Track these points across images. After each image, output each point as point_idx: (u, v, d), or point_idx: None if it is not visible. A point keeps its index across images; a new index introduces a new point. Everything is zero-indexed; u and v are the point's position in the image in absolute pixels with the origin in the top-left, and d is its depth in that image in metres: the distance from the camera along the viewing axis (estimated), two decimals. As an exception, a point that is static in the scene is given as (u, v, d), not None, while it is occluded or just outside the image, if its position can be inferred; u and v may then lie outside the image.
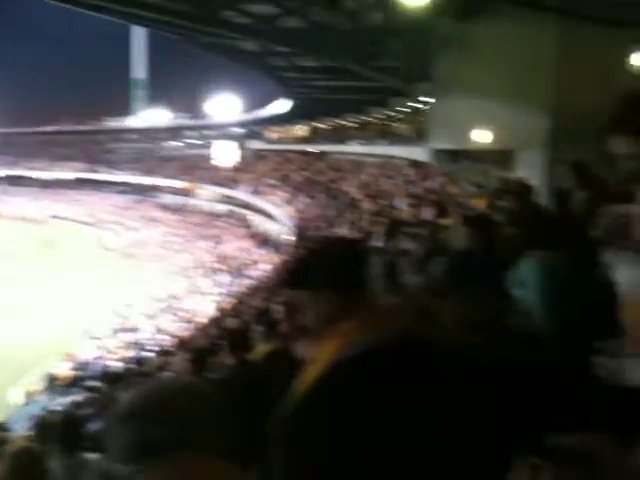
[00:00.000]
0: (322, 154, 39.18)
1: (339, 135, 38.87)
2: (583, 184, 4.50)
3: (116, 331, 23.82)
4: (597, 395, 1.22)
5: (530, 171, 12.04)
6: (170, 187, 51.86)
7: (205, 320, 20.19)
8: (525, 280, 2.83)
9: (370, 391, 1.22)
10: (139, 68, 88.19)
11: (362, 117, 36.73)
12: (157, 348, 18.52)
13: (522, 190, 5.47)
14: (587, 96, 11.47)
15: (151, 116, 69.25)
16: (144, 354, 18.41)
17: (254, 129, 51.60)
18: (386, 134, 32.41)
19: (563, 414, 1.10)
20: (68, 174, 62.60)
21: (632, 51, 12.05)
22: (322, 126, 43.15)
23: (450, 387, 1.22)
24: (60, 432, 4.00)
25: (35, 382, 18.96)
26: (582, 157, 5.25)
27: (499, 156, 14.89)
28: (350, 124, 39.02)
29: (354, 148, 34.46)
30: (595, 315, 2.42)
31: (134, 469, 1.19)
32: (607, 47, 12.04)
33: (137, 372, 12.12)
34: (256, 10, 17.94)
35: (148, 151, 61.98)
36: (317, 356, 1.48)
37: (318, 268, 1.57)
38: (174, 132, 63.79)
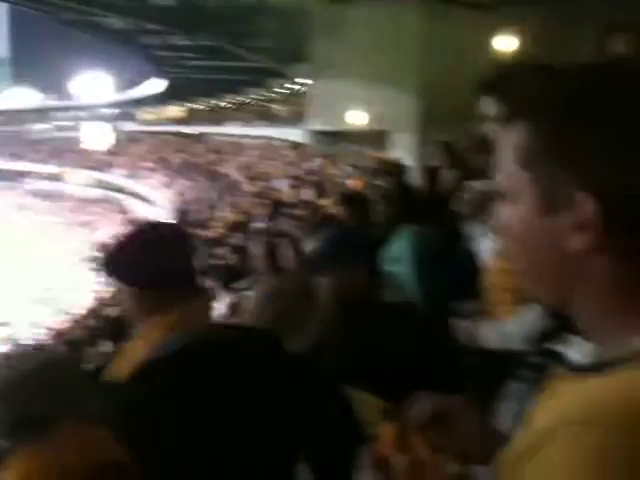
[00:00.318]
0: (200, 136, 38.52)
1: (217, 116, 38.34)
2: (450, 163, 4.75)
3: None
4: (456, 359, 1.32)
5: (403, 152, 12.47)
6: (40, 172, 49.13)
7: (83, 311, 19.46)
8: (398, 255, 2.97)
9: (178, 392, 1.20)
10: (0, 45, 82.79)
11: (239, 98, 36.42)
12: (32, 342, 17.63)
13: (395, 170, 5.67)
14: (453, 79, 11.97)
15: (16, 96, 65.20)
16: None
17: (127, 110, 49.85)
18: (265, 115, 32.34)
19: (425, 378, 1.18)
20: None
21: (496, 34, 12.66)
22: (199, 107, 42.39)
23: (260, 383, 1.24)
24: None
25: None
26: (449, 138, 5.53)
27: (374, 137, 15.28)
28: (227, 105, 38.59)
29: (233, 130, 34.13)
30: (460, 283, 2.60)
31: (15, 444, 1.18)
32: (472, 30, 12.60)
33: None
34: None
35: (14, 134, 58.29)
36: (125, 354, 1.47)
37: (120, 261, 1.51)
38: (42, 114, 60.36)
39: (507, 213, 0.70)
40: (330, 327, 1.71)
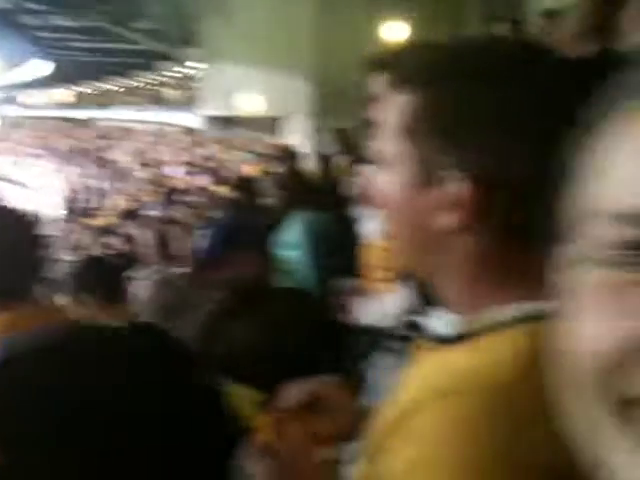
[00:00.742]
0: (87, 121, 37.08)
1: (105, 100, 37.05)
2: (343, 150, 4.84)
3: None
4: (340, 340, 1.35)
5: (297, 137, 12.52)
6: None
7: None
8: (291, 240, 3.01)
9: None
10: None
11: (128, 81, 35.33)
12: None
13: (288, 156, 5.71)
14: (346, 65, 12.11)
15: None
16: None
17: (9, 94, 47.20)
18: (156, 100, 31.54)
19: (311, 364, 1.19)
20: None
21: (386, 20, 12.88)
22: (86, 90, 40.76)
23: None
24: None
25: None
26: (342, 124, 5.62)
27: (267, 123, 15.26)
28: (116, 89, 37.34)
29: (122, 114, 33.07)
30: (347, 262, 2.68)
31: None
32: (363, 15, 12.76)
33: None
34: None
35: None
36: None
37: None
38: None
39: (382, 181, 0.70)
40: (217, 317, 1.70)
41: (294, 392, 0.90)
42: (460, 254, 0.65)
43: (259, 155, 11.61)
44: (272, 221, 3.28)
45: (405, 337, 1.46)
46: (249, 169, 8.49)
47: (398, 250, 0.73)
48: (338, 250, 2.89)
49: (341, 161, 4.84)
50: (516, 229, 0.63)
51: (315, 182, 4.23)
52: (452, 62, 0.66)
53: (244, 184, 4.14)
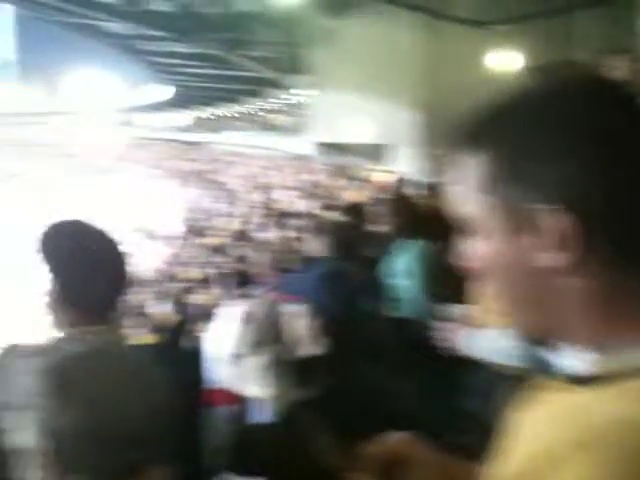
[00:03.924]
0: (202, 144, 38.60)
1: (218, 125, 38.38)
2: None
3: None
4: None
5: (404, 165, 12.54)
6: (36, 175, 49.08)
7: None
8: (402, 268, 3.04)
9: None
10: (6, 47, 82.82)
11: (240, 107, 36.50)
12: None
13: (396, 183, 5.77)
14: (454, 93, 12.05)
15: (18, 98, 65.43)
16: None
17: (130, 116, 49.96)
18: (266, 125, 32.41)
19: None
20: None
21: (491, 50, 12.74)
22: (200, 115, 42.45)
23: None
24: None
25: None
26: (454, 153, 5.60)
27: (374, 150, 15.35)
28: (228, 114, 38.67)
29: (234, 139, 34.18)
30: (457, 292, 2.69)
31: None
32: (472, 45, 12.65)
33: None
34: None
35: (15, 136, 58.46)
36: None
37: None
38: (44, 116, 60.53)
39: (477, 246, 0.68)
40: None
41: (377, 447, 0.89)
42: (578, 293, 0.61)
43: (366, 181, 11.72)
44: (381, 249, 3.34)
45: (522, 373, 1.44)
46: (356, 195, 8.60)
47: (511, 310, 0.68)
48: (449, 280, 2.91)
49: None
50: (624, 252, 0.60)
51: (425, 210, 4.26)
52: (518, 113, 0.65)
53: (354, 210, 4.22)
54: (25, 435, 1.31)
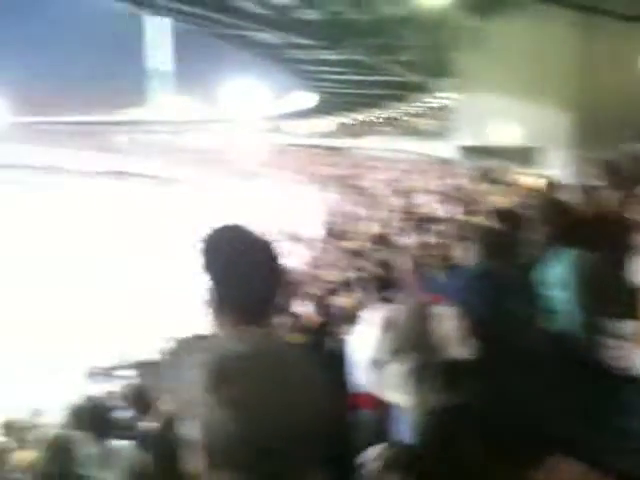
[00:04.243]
0: (345, 149, 39.13)
1: (361, 130, 38.75)
2: (614, 183, 4.47)
3: (153, 322, 24.11)
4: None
5: (555, 168, 11.97)
6: (191, 179, 52.09)
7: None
8: (557, 279, 2.84)
9: None
10: (163, 59, 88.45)
11: (384, 112, 36.61)
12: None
13: (548, 188, 5.47)
14: (610, 94, 11.36)
15: (174, 107, 69.80)
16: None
17: (278, 123, 51.65)
18: (409, 130, 32.29)
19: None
20: (93, 165, 63.38)
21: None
22: (344, 121, 43.06)
23: None
24: (90, 420, 4.10)
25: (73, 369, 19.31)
26: (605, 155, 5.23)
27: (523, 153, 14.81)
28: (372, 119, 38.92)
29: (379, 144, 34.36)
30: (618, 306, 2.47)
31: None
32: (630, 44, 11.89)
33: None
34: (275, 1, 17.92)
35: (171, 143, 62.42)
36: None
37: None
38: (198, 124, 64.12)
39: None
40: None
41: None
42: None
43: (514, 186, 11.30)
44: (534, 257, 3.15)
45: None
46: (505, 200, 8.29)
47: None
48: (608, 292, 2.68)
49: (607, 195, 4.48)
50: None
51: (580, 216, 3.98)
52: None
53: (504, 215, 4.02)
54: (191, 427, 1.36)
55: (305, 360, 1.50)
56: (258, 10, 18.10)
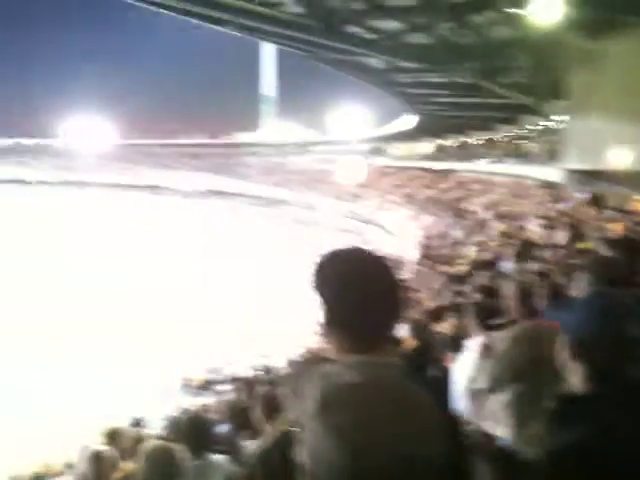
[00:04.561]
0: (448, 172, 38.67)
1: (466, 153, 38.21)
2: None
3: (248, 338, 24.62)
4: None
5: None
6: (295, 200, 53.05)
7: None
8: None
9: None
10: (268, 84, 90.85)
11: (490, 135, 35.95)
12: (285, 357, 19.02)
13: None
14: None
15: (279, 131, 71.54)
16: (273, 362, 19.00)
17: (378, 145, 51.87)
18: (515, 153, 31.52)
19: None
20: (201, 185, 65.83)
21: None
22: (448, 143, 42.64)
23: None
24: (188, 432, 4.17)
25: (171, 382, 20.00)
26: None
27: (636, 178, 14.11)
28: (477, 142, 38.31)
29: (481, 166, 33.74)
30: None
31: None
32: None
33: (264, 379, 12.44)
34: (382, 26, 18.00)
35: (276, 165, 63.99)
36: None
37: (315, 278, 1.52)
38: (302, 147, 65.39)
39: None
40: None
41: None
42: None
43: (626, 212, 10.74)
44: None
45: None
46: (616, 227, 7.89)
47: None
48: None
49: None
50: None
51: None
52: None
53: (618, 242, 3.82)
54: (300, 449, 1.34)
55: (417, 390, 1.43)
56: (366, 35, 18.27)
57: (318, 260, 1.49)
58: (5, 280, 33.01)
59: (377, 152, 51.84)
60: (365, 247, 1.55)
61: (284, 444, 2.71)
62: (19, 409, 17.00)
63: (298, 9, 17.65)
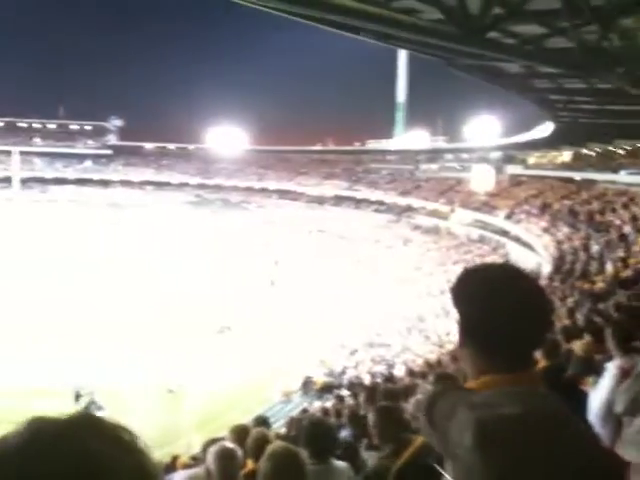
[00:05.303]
0: (586, 182, 36.76)
1: (607, 162, 36.16)
2: None
3: (368, 345, 24.69)
4: None
5: None
6: (425, 209, 52.53)
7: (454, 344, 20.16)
8: None
9: None
10: (402, 91, 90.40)
11: (634, 144, 33.80)
12: (404, 367, 18.86)
13: None
14: None
15: (410, 138, 71.15)
16: (392, 371, 18.91)
17: (513, 153, 50.27)
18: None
19: None
20: (330, 191, 66.78)
21: None
22: (587, 152, 40.56)
23: None
24: (311, 436, 4.15)
25: (292, 383, 20.42)
26: None
27: None
28: (620, 151, 36.14)
29: (623, 177, 31.82)
30: None
31: None
32: None
33: (384, 388, 12.39)
34: (522, 30, 17.42)
35: (405, 172, 63.71)
36: None
37: (456, 292, 1.45)
38: (432, 154, 64.69)
39: None
40: None
41: None
42: None
43: None
44: None
45: None
46: None
47: None
48: None
49: None
50: None
51: None
52: None
53: None
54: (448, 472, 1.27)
55: (579, 422, 1.31)
56: (504, 40, 17.75)
57: (461, 276, 1.42)
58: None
59: (511, 160, 50.23)
60: (503, 261, 1.48)
61: (421, 466, 2.66)
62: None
63: (437, 15, 17.44)
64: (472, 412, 1.21)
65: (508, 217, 38.60)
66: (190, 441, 13.39)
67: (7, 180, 66.67)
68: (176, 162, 79.42)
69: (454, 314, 1.42)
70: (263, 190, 72.67)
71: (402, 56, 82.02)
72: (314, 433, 4.12)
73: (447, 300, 30.44)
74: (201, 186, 75.74)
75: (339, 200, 64.94)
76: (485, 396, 1.27)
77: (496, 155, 52.08)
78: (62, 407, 1.29)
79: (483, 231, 42.47)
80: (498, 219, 39.96)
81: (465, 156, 59.00)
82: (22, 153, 69.23)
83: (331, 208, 64.10)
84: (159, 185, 76.23)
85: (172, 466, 7.76)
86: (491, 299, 1.34)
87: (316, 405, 16.44)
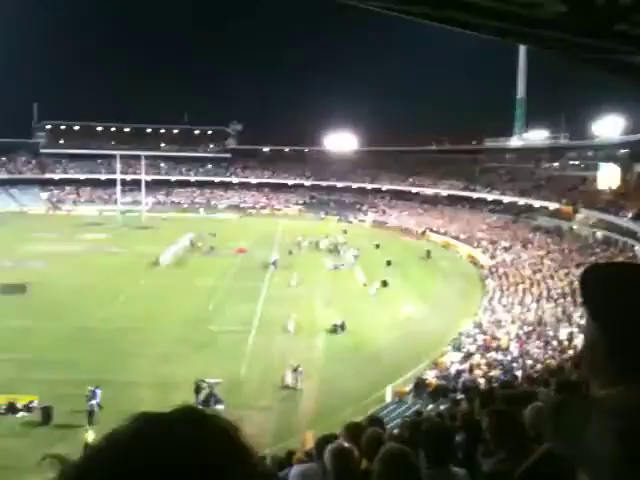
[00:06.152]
0: None
1: None
2: None
3: (483, 348, 24.06)
4: None
5: None
6: (546, 209, 50.51)
7: (576, 351, 19.27)
8: None
9: None
10: (521, 86, 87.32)
11: None
12: (522, 372, 18.25)
13: None
14: None
15: (529, 136, 68.74)
16: (510, 376, 18.36)
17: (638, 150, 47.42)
18: None
19: None
20: (446, 191, 65.69)
21: None
22: None
23: None
24: (429, 440, 4.03)
25: (405, 384, 20.22)
26: None
27: None
28: None
29: None
30: None
31: None
32: None
33: (501, 394, 12.04)
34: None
35: (524, 171, 61.52)
36: None
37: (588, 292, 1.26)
38: (552, 152, 62.15)
39: None
40: None
41: None
42: None
43: None
44: None
45: None
46: None
47: None
48: None
49: None
50: None
51: None
52: None
53: None
54: None
55: None
56: (633, 31, 16.81)
57: (594, 276, 1.32)
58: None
59: (638, 158, 47.36)
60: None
61: (546, 475, 2.54)
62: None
63: (561, 8, 16.76)
64: (616, 421, 1.13)
65: (636, 218, 36.39)
66: (304, 437, 13.56)
67: (136, 182, 70.03)
68: (291, 164, 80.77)
69: (576, 319, 1.33)
70: (375, 190, 72.61)
71: (522, 51, 79.28)
72: (434, 437, 4.00)
73: (568, 304, 29.36)
74: (314, 187, 76.65)
75: (455, 200, 63.75)
76: (625, 404, 1.18)
77: (624, 152, 49.25)
78: (182, 399, 1.33)
79: (609, 232, 40.17)
80: (625, 220, 37.74)
81: (589, 154, 56.18)
82: (147, 157, 72.56)
83: (447, 208, 63.09)
84: (276, 187, 77.91)
85: (287, 461, 7.87)
86: (624, 300, 1.25)
87: (430, 407, 16.18)
